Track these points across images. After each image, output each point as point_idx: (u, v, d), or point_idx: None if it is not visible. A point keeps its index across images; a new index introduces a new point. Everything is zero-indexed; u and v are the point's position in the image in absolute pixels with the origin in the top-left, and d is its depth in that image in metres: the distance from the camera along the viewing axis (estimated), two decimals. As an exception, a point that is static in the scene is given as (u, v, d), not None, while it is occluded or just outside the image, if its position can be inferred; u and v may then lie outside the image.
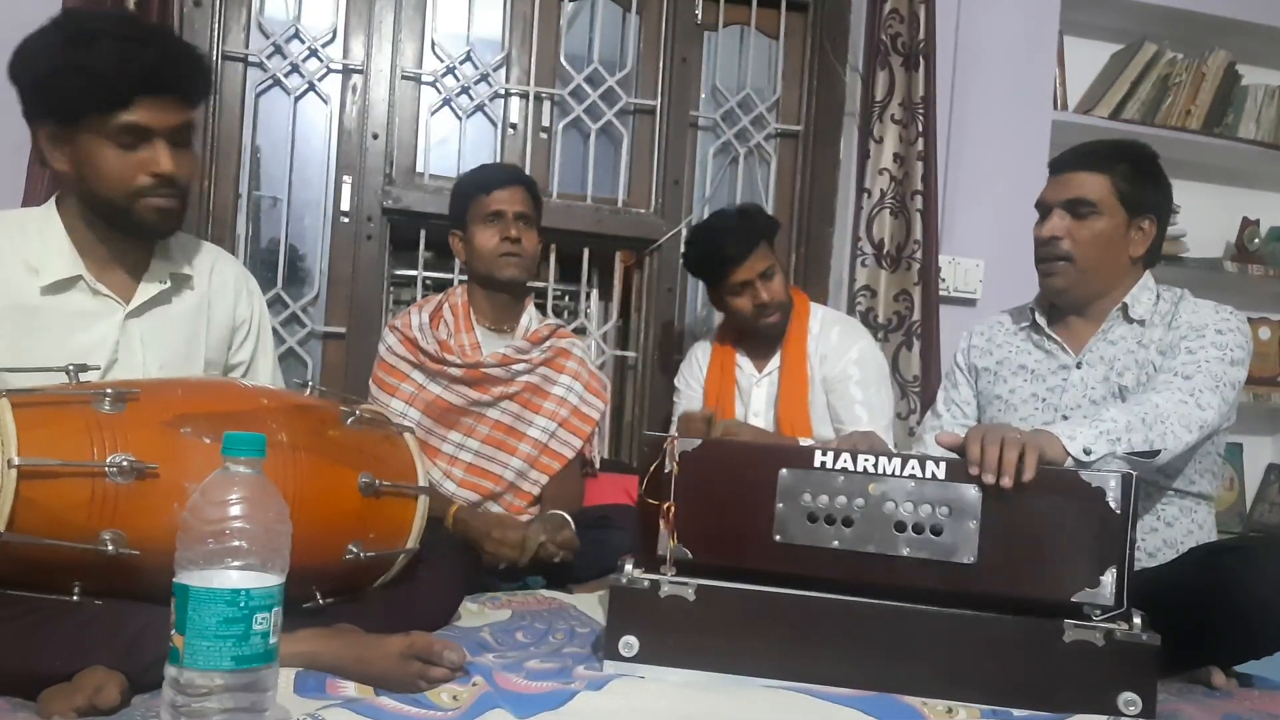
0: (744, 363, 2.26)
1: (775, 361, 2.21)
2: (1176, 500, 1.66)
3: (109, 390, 1.17)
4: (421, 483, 1.42)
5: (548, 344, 2.07)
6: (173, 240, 1.54)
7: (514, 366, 2.02)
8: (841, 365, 2.14)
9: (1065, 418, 1.68)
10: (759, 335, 2.21)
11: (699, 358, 2.31)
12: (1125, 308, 1.71)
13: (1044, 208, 1.74)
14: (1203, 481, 1.67)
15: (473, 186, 2.03)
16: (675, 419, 2.28)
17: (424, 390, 2.00)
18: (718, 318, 2.74)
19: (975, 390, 1.89)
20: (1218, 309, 1.67)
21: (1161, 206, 1.73)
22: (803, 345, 2.18)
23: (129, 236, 1.45)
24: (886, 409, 2.15)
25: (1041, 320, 1.79)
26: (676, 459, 1.34)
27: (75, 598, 1.12)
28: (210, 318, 1.57)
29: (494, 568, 1.80)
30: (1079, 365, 1.73)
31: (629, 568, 1.33)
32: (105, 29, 1.35)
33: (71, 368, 1.19)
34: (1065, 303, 1.76)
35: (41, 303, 1.40)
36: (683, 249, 2.32)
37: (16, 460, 1.07)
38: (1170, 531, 1.65)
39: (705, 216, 2.43)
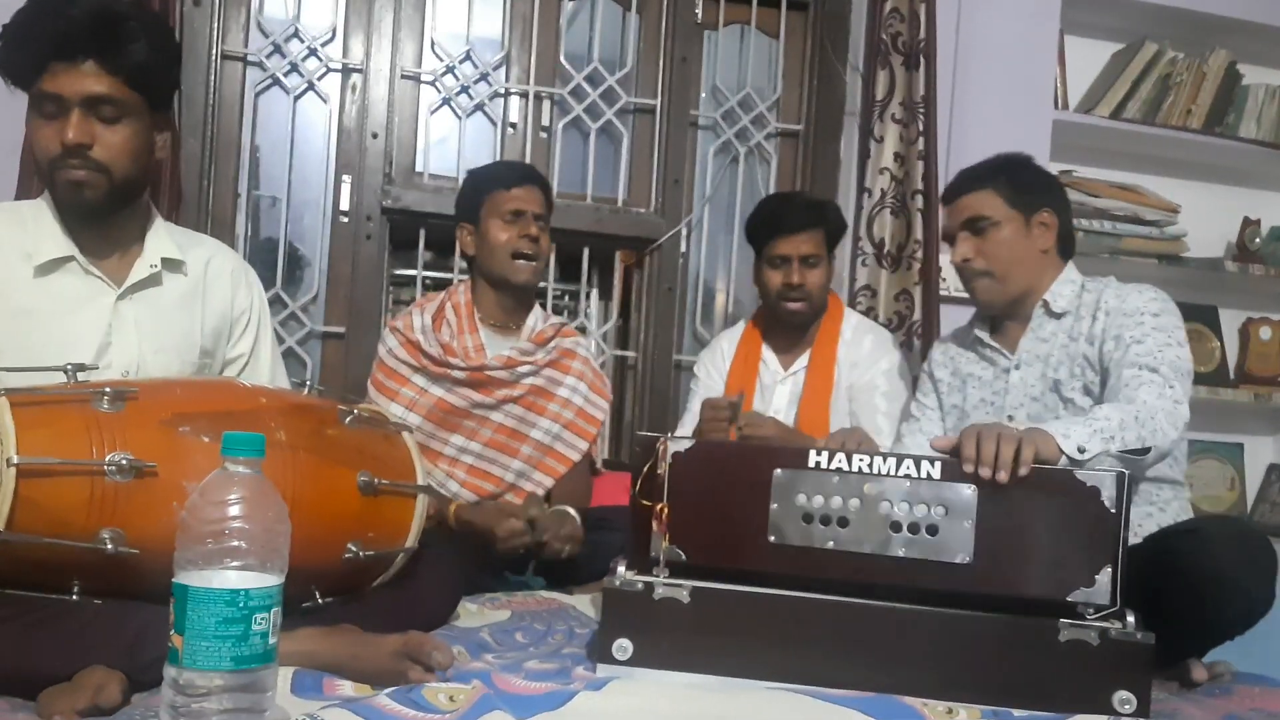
0: (770, 358, 2.21)
1: (802, 361, 2.17)
2: (1149, 487, 1.68)
3: (108, 389, 1.17)
4: (420, 481, 1.43)
5: (552, 344, 2.05)
6: (169, 229, 1.54)
7: (519, 369, 1.99)
8: (870, 375, 2.13)
9: (1011, 418, 1.76)
10: (785, 326, 2.17)
11: (724, 346, 2.26)
12: (1046, 304, 1.78)
13: (948, 236, 1.84)
14: (1164, 466, 1.68)
15: (491, 180, 1.99)
16: (689, 407, 2.23)
17: (425, 394, 1.98)
18: (717, 318, 2.75)
19: (939, 399, 1.95)
20: (1140, 290, 1.72)
21: (1053, 197, 1.82)
22: (833, 348, 2.15)
23: (64, 212, 1.42)
24: None
25: (982, 332, 1.87)
26: (669, 459, 1.34)
27: (74, 597, 1.12)
28: (205, 307, 1.55)
29: (511, 557, 1.79)
30: (1017, 367, 1.80)
31: (621, 570, 1.33)
32: None
33: (69, 366, 1.18)
34: (996, 311, 1.85)
35: (36, 286, 1.40)
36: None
37: (15, 459, 1.07)
38: (1138, 512, 1.66)
39: (705, 216, 2.41)
